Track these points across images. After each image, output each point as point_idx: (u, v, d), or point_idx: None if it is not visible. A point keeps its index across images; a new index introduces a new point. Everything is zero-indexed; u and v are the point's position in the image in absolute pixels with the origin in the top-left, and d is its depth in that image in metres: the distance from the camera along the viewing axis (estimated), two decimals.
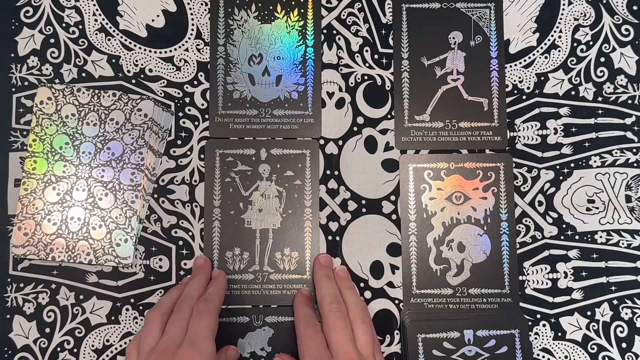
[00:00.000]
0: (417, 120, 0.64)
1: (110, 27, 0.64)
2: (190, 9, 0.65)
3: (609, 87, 0.65)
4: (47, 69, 0.63)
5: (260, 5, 0.65)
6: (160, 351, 0.51)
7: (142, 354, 0.53)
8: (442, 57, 0.65)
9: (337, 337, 0.56)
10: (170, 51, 0.64)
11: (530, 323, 0.62)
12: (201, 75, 0.64)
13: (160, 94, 0.64)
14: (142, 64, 0.64)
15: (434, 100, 0.64)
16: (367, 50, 0.65)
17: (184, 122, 0.64)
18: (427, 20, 0.65)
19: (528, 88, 0.65)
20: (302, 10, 0.65)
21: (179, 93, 0.64)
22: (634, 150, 0.64)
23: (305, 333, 0.57)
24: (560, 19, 0.65)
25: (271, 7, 0.65)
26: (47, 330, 0.61)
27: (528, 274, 0.63)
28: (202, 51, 0.64)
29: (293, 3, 0.65)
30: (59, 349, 0.61)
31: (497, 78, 0.65)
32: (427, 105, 0.64)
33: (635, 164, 0.64)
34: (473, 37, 0.65)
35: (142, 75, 0.64)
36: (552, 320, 0.63)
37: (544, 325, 0.63)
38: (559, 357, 0.62)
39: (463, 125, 0.64)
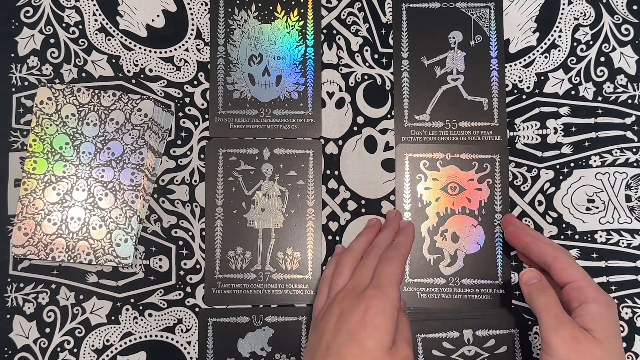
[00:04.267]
0: (417, 119, 0.64)
1: (110, 27, 0.64)
2: (190, 9, 0.65)
3: (608, 87, 0.65)
4: (47, 69, 0.63)
5: (260, 5, 0.65)
6: (348, 290, 0.55)
7: (332, 292, 0.57)
8: (442, 56, 0.65)
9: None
10: (170, 51, 0.64)
11: (530, 322, 0.62)
12: (201, 75, 0.64)
13: (160, 94, 0.64)
14: (142, 64, 0.64)
15: (434, 99, 0.65)
16: (367, 50, 0.65)
17: (184, 122, 0.64)
18: (427, 19, 0.65)
19: (528, 88, 0.65)
20: (302, 10, 0.65)
21: (179, 93, 0.64)
22: (634, 149, 0.64)
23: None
24: (560, 18, 0.65)
25: (271, 7, 0.65)
26: (47, 330, 0.61)
27: None
28: (202, 51, 0.64)
29: (293, 3, 0.65)
30: (59, 349, 0.61)
31: (497, 78, 0.65)
32: (427, 104, 0.64)
33: (635, 164, 0.64)
34: (473, 36, 0.65)
35: (142, 75, 0.64)
36: None
37: None
38: None
39: (463, 125, 0.64)
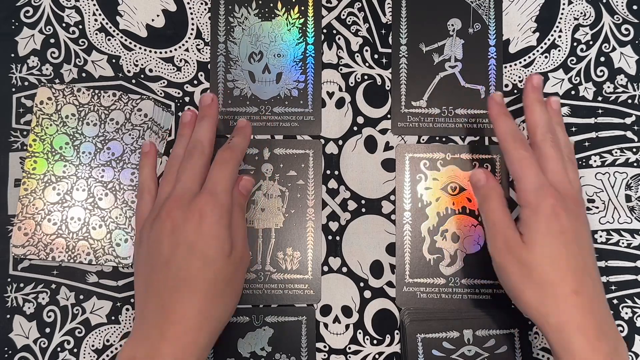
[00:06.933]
0: (414, 106, 0.64)
1: (110, 27, 0.64)
2: (190, 8, 0.64)
3: (608, 87, 0.65)
4: (47, 69, 0.63)
5: (260, 2, 0.65)
6: (175, 198, 0.53)
7: (158, 200, 0.56)
8: (441, 43, 0.65)
9: (554, 166, 0.54)
10: (171, 51, 0.64)
11: (530, 322, 0.62)
12: (201, 75, 0.64)
13: (161, 94, 0.63)
14: (142, 64, 0.63)
15: (431, 86, 0.65)
16: (367, 50, 0.65)
17: None
18: (426, 6, 0.65)
19: None
20: (302, 8, 0.65)
21: (179, 93, 0.64)
22: (634, 149, 0.64)
23: (518, 153, 0.54)
24: (560, 18, 0.65)
25: (271, 5, 0.65)
26: (47, 330, 0.61)
27: None
28: (202, 51, 0.64)
29: (293, 0, 0.65)
30: (59, 349, 0.61)
31: (494, 66, 0.65)
32: (424, 91, 0.65)
33: (635, 164, 0.64)
34: (472, 24, 0.65)
35: (142, 75, 0.63)
36: None
37: None
38: None
39: (459, 112, 0.64)
